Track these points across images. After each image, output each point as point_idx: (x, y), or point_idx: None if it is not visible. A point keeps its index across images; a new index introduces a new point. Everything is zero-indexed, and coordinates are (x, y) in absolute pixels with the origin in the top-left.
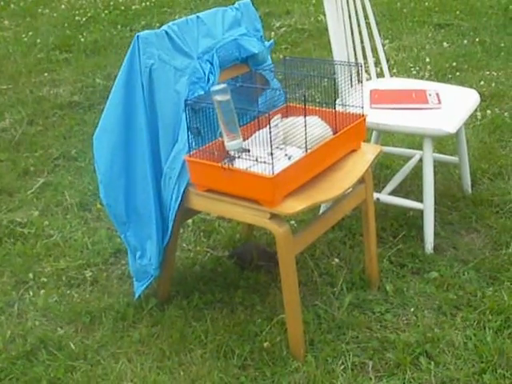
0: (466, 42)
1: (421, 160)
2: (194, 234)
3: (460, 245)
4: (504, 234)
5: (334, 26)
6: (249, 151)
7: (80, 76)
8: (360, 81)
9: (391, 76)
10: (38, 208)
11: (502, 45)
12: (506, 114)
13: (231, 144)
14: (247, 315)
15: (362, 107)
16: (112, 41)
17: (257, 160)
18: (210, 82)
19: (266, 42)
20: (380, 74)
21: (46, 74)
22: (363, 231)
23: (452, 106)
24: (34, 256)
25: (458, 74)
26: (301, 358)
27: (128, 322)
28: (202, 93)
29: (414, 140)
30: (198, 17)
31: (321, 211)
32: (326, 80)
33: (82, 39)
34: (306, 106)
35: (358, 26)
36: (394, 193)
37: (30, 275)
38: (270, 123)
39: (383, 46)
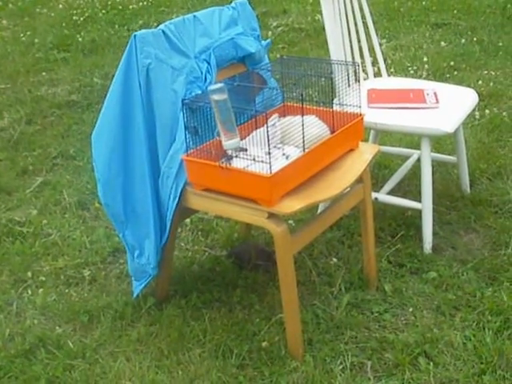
0: (463, 41)
1: (419, 160)
2: (192, 233)
3: (459, 245)
4: (503, 234)
5: (331, 26)
6: (246, 150)
7: (78, 75)
8: (357, 80)
9: (389, 75)
10: (37, 207)
11: (500, 44)
12: (504, 113)
13: (229, 143)
14: (245, 315)
15: (360, 107)
16: (110, 40)
17: (254, 159)
18: (208, 81)
19: (262, 42)
20: (377, 74)
21: (44, 74)
22: (361, 231)
23: (450, 106)
24: (32, 255)
25: (455, 73)
26: (299, 357)
27: (126, 321)
28: (200, 92)
29: (412, 140)
30: (194, 16)
31: (319, 211)
32: (323, 79)
33: (80, 39)
34: (304, 106)
35: (355, 25)
36: (392, 192)
37: (29, 274)
38: (267, 122)
39: (380, 45)
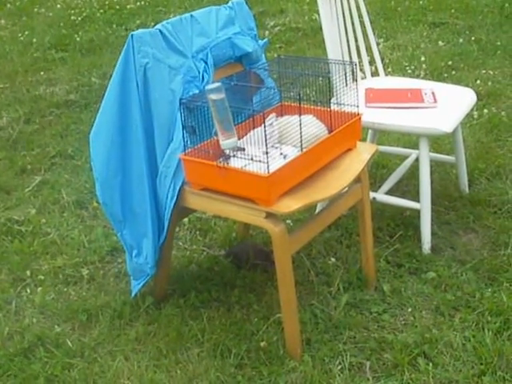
0: (461, 40)
1: (417, 159)
2: (190, 232)
3: (458, 245)
4: (502, 234)
5: (328, 25)
6: (244, 150)
7: (76, 75)
8: (355, 80)
9: (386, 75)
10: (35, 206)
11: (499, 43)
12: (503, 113)
13: (226, 143)
14: (244, 314)
15: (358, 106)
16: (107, 40)
17: (252, 159)
18: (205, 80)
19: (259, 41)
20: (375, 73)
21: (42, 73)
22: (360, 231)
23: (448, 105)
24: (31, 254)
25: (453, 72)
26: (298, 357)
27: (125, 320)
28: (197, 91)
29: (410, 139)
30: (191, 16)
31: (317, 210)
32: (320, 79)
33: (78, 38)
34: (301, 105)
35: (352, 24)
36: (390, 192)
37: (28, 273)
38: (264, 122)
39: (378, 44)
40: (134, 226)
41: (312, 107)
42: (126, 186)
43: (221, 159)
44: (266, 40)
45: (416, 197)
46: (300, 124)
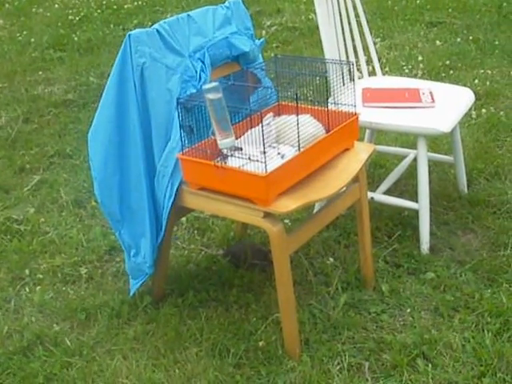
0: (459, 40)
1: (415, 159)
2: (188, 231)
3: (456, 245)
4: (502, 234)
5: (325, 25)
6: (241, 149)
7: (74, 74)
8: (352, 79)
9: (383, 74)
10: (34, 205)
11: (497, 43)
12: (501, 112)
13: (224, 142)
14: (242, 314)
15: (355, 106)
16: (105, 40)
17: (250, 158)
18: (202, 80)
19: (256, 41)
20: (372, 73)
21: (40, 73)
22: (358, 231)
23: (446, 105)
24: (30, 253)
25: (451, 72)
26: (296, 357)
27: (123, 319)
28: (194, 91)
29: (408, 139)
30: (188, 15)
31: (315, 210)
32: (317, 78)
33: (76, 38)
34: (298, 105)
35: (349, 24)
36: (388, 192)
37: (27, 272)
38: (262, 122)
39: (375, 44)
40: (132, 225)
41: (309, 107)
42: (123, 185)
43: (218, 159)
44: (262, 39)
45: (414, 197)
46: (297, 124)
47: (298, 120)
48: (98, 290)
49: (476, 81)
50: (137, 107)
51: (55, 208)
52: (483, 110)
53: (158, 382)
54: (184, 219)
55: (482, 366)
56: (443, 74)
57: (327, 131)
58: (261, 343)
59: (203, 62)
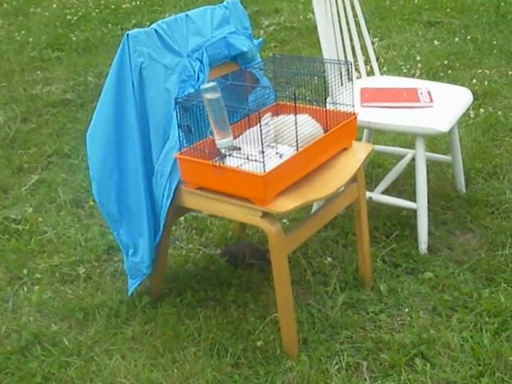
0: (457, 39)
1: (413, 159)
2: (186, 231)
3: (455, 245)
4: (500, 234)
5: (323, 24)
6: (240, 149)
7: (72, 74)
8: (350, 79)
9: (381, 74)
10: (32, 205)
11: (495, 42)
12: (499, 112)
13: (222, 142)
14: (240, 313)
15: (353, 106)
16: (103, 39)
17: (248, 158)
18: (200, 80)
19: (254, 40)
20: (370, 73)
21: (38, 73)
22: (356, 230)
23: (444, 105)
24: (28, 252)
25: (449, 72)
26: (294, 357)
27: (121, 318)
28: (192, 91)
29: (406, 139)
30: (187, 15)
31: (313, 210)
32: (316, 78)
33: (74, 38)
34: (297, 105)
35: (347, 24)
36: (386, 192)
37: (25, 271)
38: (260, 121)
39: (373, 44)
40: (130, 225)
41: (307, 107)
42: (122, 185)
43: (216, 158)
44: (261, 39)
45: (412, 196)
46: (296, 123)
47: (296, 120)
48: (96, 289)
49: (474, 80)
50: (135, 107)
51: (53, 208)
52: (481, 110)
53: (156, 381)
54: (182, 219)
55: (480, 365)
56: (441, 74)
57: (325, 131)
58: (259, 343)
59: (201, 62)
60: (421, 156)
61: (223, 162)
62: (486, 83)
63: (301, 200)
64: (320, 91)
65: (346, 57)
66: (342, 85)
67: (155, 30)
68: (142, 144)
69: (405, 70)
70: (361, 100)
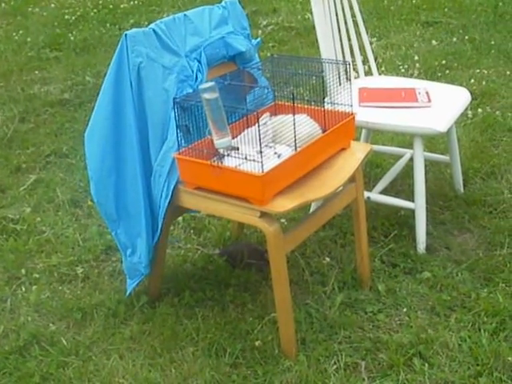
0: (455, 39)
1: (411, 159)
2: (185, 231)
3: (453, 245)
4: (498, 234)
5: (321, 24)
6: (238, 149)
7: (70, 74)
8: (348, 79)
9: (379, 74)
10: (30, 205)
11: (492, 42)
12: (497, 112)
13: (220, 142)
14: (238, 313)
15: (351, 105)
16: (101, 39)
17: (246, 158)
18: (198, 80)
19: (253, 40)
20: (368, 72)
21: (36, 72)
22: (354, 230)
23: (442, 105)
24: (26, 252)
25: (447, 72)
26: (293, 357)
27: (119, 318)
28: (191, 91)
29: (404, 138)
30: (185, 15)
31: (311, 210)
32: (314, 78)
33: (72, 38)
34: (295, 105)
35: (345, 23)
36: (384, 192)
37: (23, 271)
38: (258, 121)
39: (371, 43)
40: (128, 225)
41: (306, 106)
42: (120, 184)
43: (215, 158)
44: (259, 39)
45: (410, 196)
46: (294, 123)
47: (294, 120)
48: (94, 289)
49: (472, 80)
50: (133, 107)
51: (51, 207)
52: (479, 110)
53: (154, 381)
54: (180, 218)
55: (478, 365)
56: (439, 74)
57: (324, 131)
58: (257, 343)
59: (200, 62)
60: (419, 156)
61: (221, 162)
62: (483, 83)
63: (299, 200)
64: (318, 91)
65: (344, 57)
66: (340, 85)
67: (153, 30)
68: (140, 144)
69: (403, 70)
70: (359, 100)
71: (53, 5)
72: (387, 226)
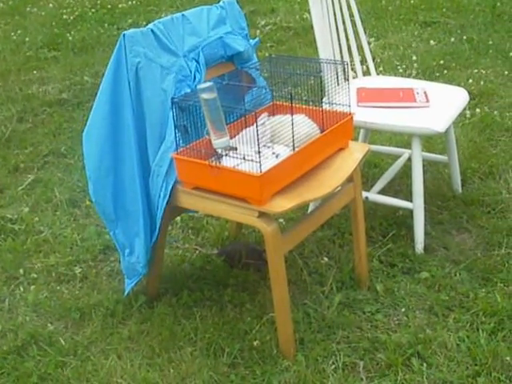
0: (453, 39)
1: (410, 159)
2: (183, 231)
3: (451, 245)
4: (496, 234)
5: (320, 24)
6: (236, 149)
7: (68, 74)
8: (346, 79)
9: (377, 74)
10: (28, 204)
11: (490, 42)
12: (495, 112)
13: (218, 142)
14: (237, 313)
15: (349, 105)
16: (99, 39)
17: (244, 158)
18: (197, 80)
19: (251, 40)
20: (366, 72)
21: (34, 72)
22: (352, 230)
23: (440, 105)
24: (24, 252)
25: (445, 72)
26: (291, 357)
27: (117, 318)
28: (189, 91)
29: (403, 138)
30: (183, 15)
31: (309, 210)
32: (312, 78)
33: (70, 37)
34: (293, 105)
35: (344, 23)
36: (382, 192)
37: (21, 271)
38: (256, 121)
39: (369, 43)
40: (126, 224)
41: (304, 106)
42: (118, 184)
43: (213, 158)
44: (257, 39)
45: (409, 196)
46: (292, 123)
47: (292, 120)
48: (92, 289)
49: (470, 80)
50: (131, 107)
51: (49, 207)
52: (477, 110)
53: (152, 381)
54: (178, 218)
55: (476, 365)
56: (437, 74)
57: (322, 131)
58: (255, 343)
59: (198, 62)
60: (417, 156)
61: (220, 162)
62: (481, 83)
63: (297, 200)
64: (316, 91)
65: (342, 57)
66: (338, 85)
67: (151, 30)
68: (138, 144)
69: (401, 70)
70: (357, 100)
71: (51, 4)
72: (385, 225)
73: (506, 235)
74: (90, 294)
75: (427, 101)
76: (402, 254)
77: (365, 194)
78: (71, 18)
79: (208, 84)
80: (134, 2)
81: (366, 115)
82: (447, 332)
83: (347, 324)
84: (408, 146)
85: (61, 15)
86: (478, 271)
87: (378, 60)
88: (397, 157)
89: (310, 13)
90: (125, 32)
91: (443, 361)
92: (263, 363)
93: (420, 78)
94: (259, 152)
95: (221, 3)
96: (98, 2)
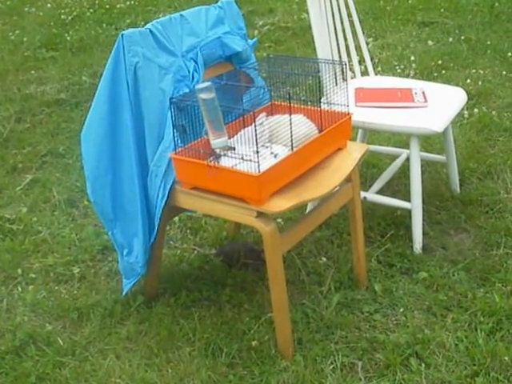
0: (451, 39)
1: (408, 159)
2: (181, 231)
3: (449, 245)
4: (494, 234)
5: (318, 24)
6: (234, 149)
7: (66, 74)
8: (344, 79)
9: (376, 74)
10: (27, 204)
11: (489, 42)
12: (493, 112)
13: (216, 142)
14: (235, 313)
15: (348, 105)
16: (97, 39)
17: (242, 158)
18: (195, 80)
19: (249, 40)
20: (364, 73)
21: (32, 72)
22: (351, 230)
23: (438, 105)
24: (22, 252)
25: (443, 72)
26: (289, 357)
27: (116, 318)
28: (187, 91)
29: (401, 138)
30: (181, 15)
31: (308, 210)
32: (310, 78)
33: (68, 37)
34: (291, 105)
35: (342, 23)
36: (381, 192)
37: (19, 271)
38: (255, 121)
39: (367, 44)
40: (124, 224)
41: (302, 107)
42: (116, 184)
43: (211, 158)
44: (255, 39)
45: (407, 196)
46: (290, 123)
47: (290, 120)
48: (90, 289)
49: (468, 80)
50: (130, 107)
51: (48, 207)
52: (475, 110)
53: (150, 381)
54: (177, 218)
55: (475, 365)
56: (435, 74)
57: (320, 131)
58: (254, 343)
59: (196, 62)
60: (415, 156)
61: (218, 162)
62: (480, 83)
63: (295, 200)
64: (314, 91)
65: (340, 57)
66: (336, 85)
67: (150, 30)
68: (136, 144)
69: (399, 70)
70: (355, 100)
71: (49, 5)
72: (383, 226)
73: (504, 235)
74: (89, 294)
75: (425, 101)
76: (401, 254)
77: (363, 194)
78: (69, 18)
79: (206, 84)
80: (132, 2)
81: (364, 115)
82: (445, 332)
83: (345, 324)
84: (406, 146)
85: (59, 15)
86: (477, 271)
87: (376, 60)
88: (395, 157)
89: (308, 13)
90: (123, 32)
91: (441, 361)
92: (261, 363)
93: (418, 78)
94: (257, 152)
95: (219, 3)
96: (96, 2)
